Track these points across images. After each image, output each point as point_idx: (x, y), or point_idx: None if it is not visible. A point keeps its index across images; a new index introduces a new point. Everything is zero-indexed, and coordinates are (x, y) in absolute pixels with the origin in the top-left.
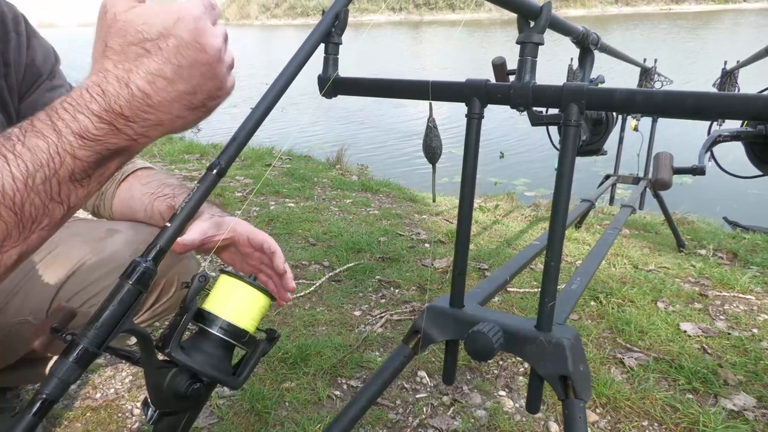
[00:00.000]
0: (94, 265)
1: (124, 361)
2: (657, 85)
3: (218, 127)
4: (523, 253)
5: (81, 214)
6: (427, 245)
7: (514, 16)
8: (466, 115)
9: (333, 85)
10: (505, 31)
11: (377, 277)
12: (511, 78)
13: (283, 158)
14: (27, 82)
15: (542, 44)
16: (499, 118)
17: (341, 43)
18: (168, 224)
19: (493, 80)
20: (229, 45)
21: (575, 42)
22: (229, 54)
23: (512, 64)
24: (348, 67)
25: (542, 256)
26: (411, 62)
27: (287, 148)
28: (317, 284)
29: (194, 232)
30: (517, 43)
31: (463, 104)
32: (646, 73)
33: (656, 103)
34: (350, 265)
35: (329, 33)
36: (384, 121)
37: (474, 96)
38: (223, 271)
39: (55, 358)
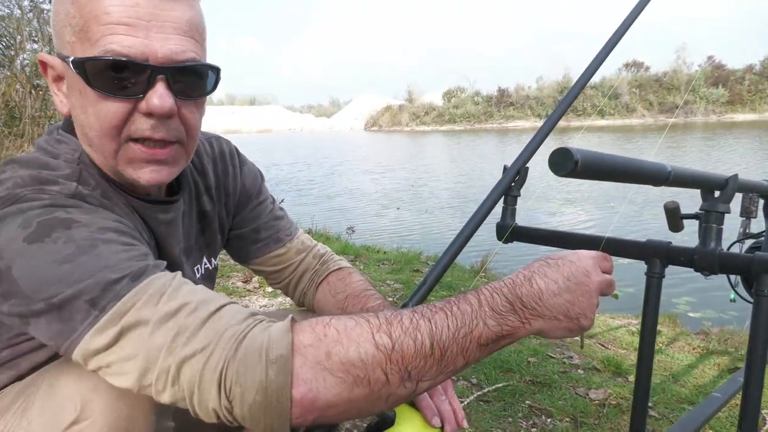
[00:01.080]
0: None
1: None
2: None
3: (373, 229)
4: (702, 409)
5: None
6: (581, 371)
7: (670, 121)
8: (646, 274)
9: (511, 233)
10: (657, 137)
11: (527, 402)
12: (685, 222)
13: (430, 263)
14: (240, 204)
15: (728, 213)
16: (639, 221)
17: (519, 196)
18: None
19: (665, 225)
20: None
21: (762, 197)
22: (606, 288)
23: (679, 199)
24: (491, 169)
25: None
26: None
27: (433, 254)
28: (465, 402)
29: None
30: (701, 210)
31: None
32: None
33: None
34: (499, 385)
35: (509, 187)
36: None
37: (655, 257)
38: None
39: None
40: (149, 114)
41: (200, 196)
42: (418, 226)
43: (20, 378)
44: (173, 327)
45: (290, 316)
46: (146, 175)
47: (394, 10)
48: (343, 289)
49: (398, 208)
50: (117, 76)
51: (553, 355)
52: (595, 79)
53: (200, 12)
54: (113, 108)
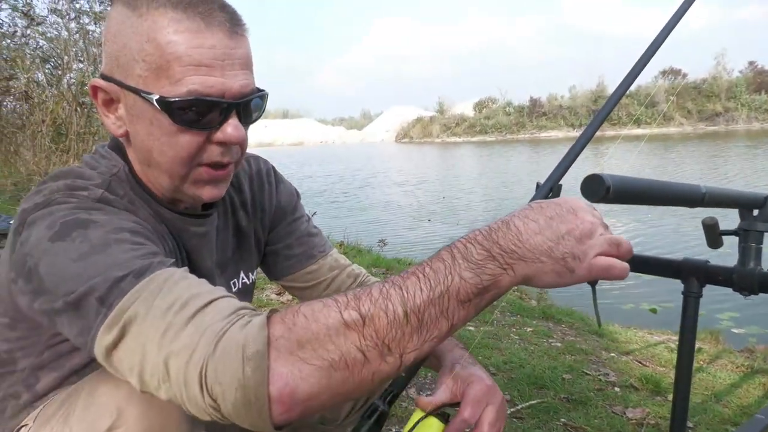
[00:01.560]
0: None
1: None
2: None
3: (404, 242)
4: (745, 431)
5: None
6: (617, 389)
7: (710, 129)
8: (683, 293)
9: None
10: (696, 144)
11: (562, 419)
12: (724, 239)
13: None
14: (275, 221)
15: (767, 232)
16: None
17: None
18: (402, 374)
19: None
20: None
21: None
22: (603, 238)
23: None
24: (524, 181)
25: None
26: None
27: None
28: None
29: (443, 393)
30: (739, 229)
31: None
32: None
33: None
34: (533, 402)
35: None
36: None
37: (692, 276)
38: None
39: None
40: (222, 143)
41: (236, 211)
42: (450, 240)
43: (64, 380)
44: (163, 323)
45: (270, 309)
46: (207, 192)
47: (425, 21)
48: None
49: (429, 221)
50: (197, 112)
51: (588, 372)
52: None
53: (249, 42)
54: (189, 140)
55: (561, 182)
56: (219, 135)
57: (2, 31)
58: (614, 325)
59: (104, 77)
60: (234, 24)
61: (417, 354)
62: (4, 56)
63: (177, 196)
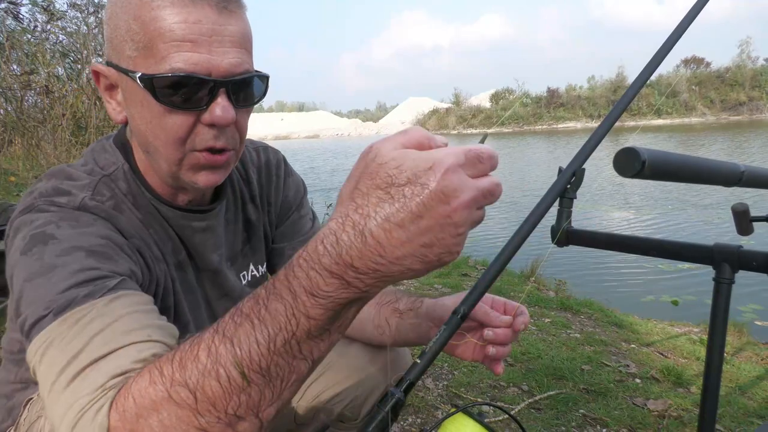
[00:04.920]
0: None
1: None
2: None
3: None
4: None
5: None
6: (638, 381)
7: (733, 119)
8: (714, 279)
9: (566, 236)
10: (718, 135)
11: (581, 411)
12: (755, 225)
13: (478, 268)
14: (282, 215)
15: None
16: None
17: (575, 198)
18: (417, 360)
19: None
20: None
21: None
22: (479, 213)
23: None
24: (537, 172)
25: None
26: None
27: (480, 257)
28: (516, 409)
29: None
30: None
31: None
32: None
33: None
34: (551, 393)
35: (565, 189)
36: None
37: (724, 261)
38: (461, 410)
39: None
40: (212, 124)
41: (245, 204)
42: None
43: None
44: (52, 376)
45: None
46: (203, 178)
47: (444, 15)
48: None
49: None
50: (183, 91)
51: (608, 363)
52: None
53: (248, 22)
54: (179, 120)
55: (584, 167)
56: (206, 116)
57: (23, 26)
58: (633, 317)
59: (106, 63)
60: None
61: (279, 404)
62: (25, 51)
63: (179, 185)
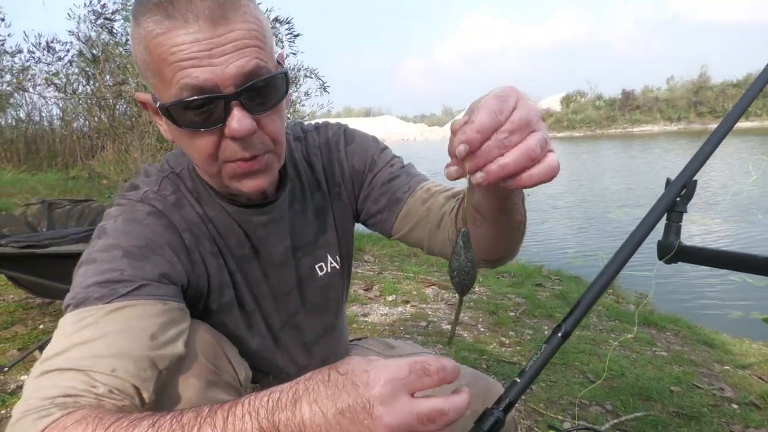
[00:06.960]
0: None
1: None
2: None
3: None
4: None
5: None
6: (734, 406)
7: None
8: None
9: (675, 253)
10: None
11: None
12: None
13: (552, 278)
14: (356, 186)
15: None
16: None
17: (686, 212)
18: (517, 379)
19: None
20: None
21: None
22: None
23: None
24: (612, 180)
25: None
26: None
27: (554, 268)
28: (601, 430)
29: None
30: None
31: None
32: None
33: None
34: (638, 414)
35: (675, 202)
36: None
37: None
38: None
39: None
40: (233, 138)
41: (314, 193)
42: (536, 238)
43: None
44: (42, 357)
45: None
46: (248, 186)
47: (512, 17)
48: None
49: None
50: (196, 112)
51: (699, 385)
52: (738, 76)
53: (255, 14)
54: (203, 140)
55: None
56: (226, 131)
57: (116, 40)
58: (724, 335)
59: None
60: (218, 9)
61: None
62: (117, 63)
63: (234, 192)
